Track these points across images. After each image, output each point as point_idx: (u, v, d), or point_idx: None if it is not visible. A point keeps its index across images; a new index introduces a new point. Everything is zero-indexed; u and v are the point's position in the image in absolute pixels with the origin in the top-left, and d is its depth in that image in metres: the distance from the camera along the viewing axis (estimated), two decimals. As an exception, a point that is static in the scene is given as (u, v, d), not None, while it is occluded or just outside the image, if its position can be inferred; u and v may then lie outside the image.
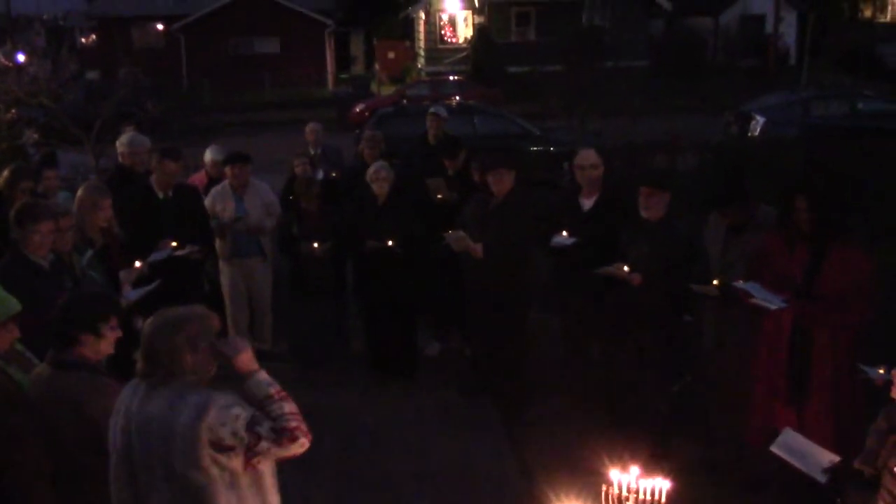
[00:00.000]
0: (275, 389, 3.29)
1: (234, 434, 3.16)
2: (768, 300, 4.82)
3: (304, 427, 3.25)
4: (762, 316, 5.04)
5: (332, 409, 6.83)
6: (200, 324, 3.30)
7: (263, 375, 3.33)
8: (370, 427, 6.65)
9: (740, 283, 4.97)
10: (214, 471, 3.19)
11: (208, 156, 8.50)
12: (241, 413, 3.17)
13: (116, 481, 3.35)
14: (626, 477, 3.55)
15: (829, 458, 3.75)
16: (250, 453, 3.19)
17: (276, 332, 8.08)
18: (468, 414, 6.77)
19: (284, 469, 3.53)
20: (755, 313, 5.08)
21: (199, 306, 3.43)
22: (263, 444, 3.19)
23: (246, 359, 3.33)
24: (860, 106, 17.82)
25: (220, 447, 3.16)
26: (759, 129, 16.97)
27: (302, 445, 3.24)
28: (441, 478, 5.88)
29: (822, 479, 3.72)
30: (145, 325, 3.32)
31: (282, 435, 3.20)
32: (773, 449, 3.94)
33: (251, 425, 3.17)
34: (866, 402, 4.55)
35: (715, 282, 5.36)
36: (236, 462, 3.20)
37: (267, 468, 3.35)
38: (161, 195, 6.87)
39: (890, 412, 3.59)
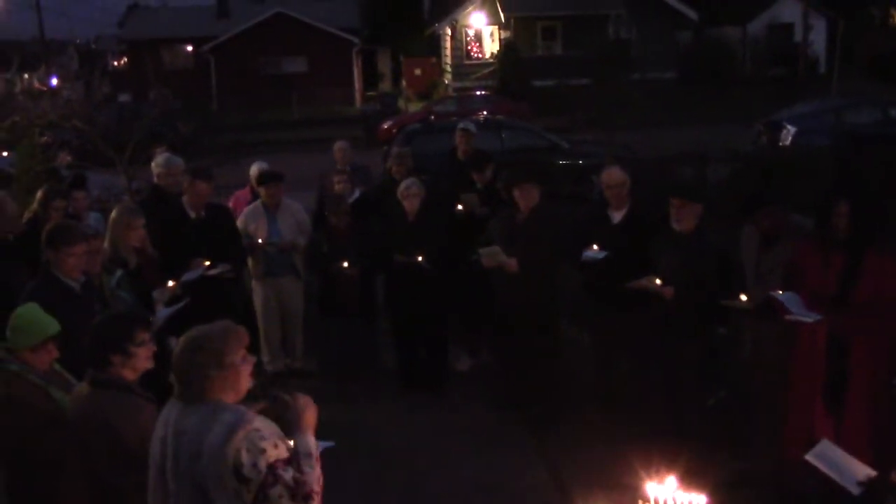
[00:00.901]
0: (317, 453, 3.29)
1: (254, 466, 3.09)
2: (804, 315, 4.77)
3: (320, 499, 3.22)
4: (797, 327, 4.98)
5: (363, 425, 6.84)
6: (224, 339, 3.28)
7: (313, 438, 3.33)
8: (401, 442, 6.63)
9: (777, 294, 4.91)
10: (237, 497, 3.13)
11: (254, 170, 8.57)
12: (270, 450, 3.12)
13: (153, 493, 3.35)
14: (662, 491, 3.51)
15: (864, 471, 3.67)
16: (261, 494, 3.10)
17: (306, 349, 8.11)
18: (499, 429, 6.73)
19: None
20: (790, 326, 5.03)
21: (226, 321, 3.41)
22: (278, 490, 3.11)
23: (310, 418, 3.34)
24: (892, 113, 17.61)
25: (238, 474, 3.10)
26: (790, 139, 16.82)
27: None
28: (473, 493, 5.85)
29: (855, 491, 3.65)
30: (176, 347, 3.34)
31: (300, 491, 3.14)
32: (809, 458, 3.88)
33: (275, 466, 3.11)
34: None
35: (743, 297, 5.32)
36: (247, 497, 3.11)
37: None
38: (193, 215, 6.94)
39: None
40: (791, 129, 17.04)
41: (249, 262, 7.74)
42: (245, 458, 3.08)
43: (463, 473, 6.13)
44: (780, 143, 16.79)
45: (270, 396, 3.41)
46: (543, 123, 20.16)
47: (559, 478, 5.99)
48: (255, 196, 8.30)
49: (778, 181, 9.91)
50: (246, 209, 7.94)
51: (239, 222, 7.68)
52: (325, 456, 3.55)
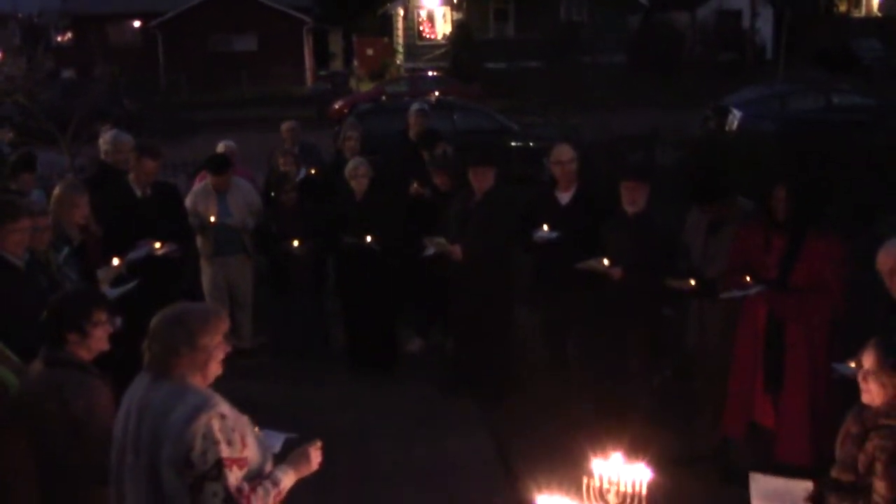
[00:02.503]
0: (284, 486, 3.27)
1: (204, 454, 3.02)
2: (739, 290, 4.89)
3: None
4: (740, 310, 5.10)
5: (313, 405, 6.82)
6: (204, 320, 3.23)
7: (292, 477, 3.32)
8: (351, 422, 6.63)
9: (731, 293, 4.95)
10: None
11: (221, 149, 8.47)
12: (225, 445, 3.04)
13: (114, 468, 3.28)
14: (607, 468, 3.57)
15: (803, 486, 3.75)
16: (198, 485, 3.02)
17: (255, 329, 8.06)
18: (449, 409, 6.77)
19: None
20: (734, 307, 5.14)
21: (215, 305, 3.38)
22: (215, 487, 3.02)
23: (305, 469, 3.38)
24: (835, 100, 17.97)
25: (186, 458, 3.02)
26: (736, 123, 17.07)
27: None
28: (423, 471, 5.89)
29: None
30: (155, 316, 3.27)
31: (238, 501, 3.04)
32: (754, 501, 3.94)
33: (224, 463, 3.03)
34: (843, 398, 4.59)
35: (692, 281, 5.41)
36: (184, 482, 3.03)
37: None
38: (139, 193, 6.83)
39: (859, 414, 3.59)
40: (738, 113, 17.29)
41: (198, 241, 7.65)
42: (198, 444, 3.02)
43: (413, 452, 6.16)
44: (727, 128, 17.04)
45: None
46: (495, 105, 20.18)
47: (507, 454, 6.06)
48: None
49: (724, 166, 10.05)
50: (195, 188, 7.83)
51: (187, 201, 7.59)
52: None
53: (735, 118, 17.24)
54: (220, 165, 7.69)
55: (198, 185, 7.85)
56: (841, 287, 4.87)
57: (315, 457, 3.41)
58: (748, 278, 4.97)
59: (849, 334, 5.00)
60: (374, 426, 6.58)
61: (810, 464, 4.59)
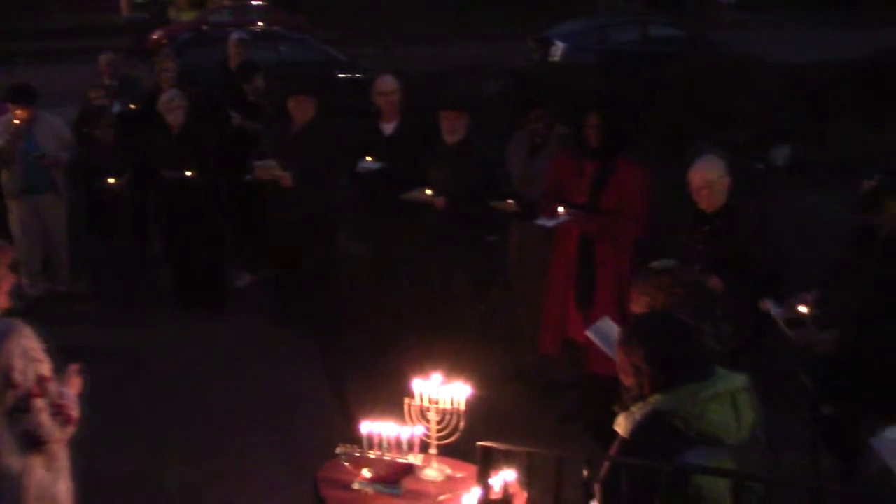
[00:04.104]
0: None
1: (24, 373, 3.09)
2: (546, 220, 5.19)
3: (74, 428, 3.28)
4: (554, 233, 5.36)
5: (141, 349, 6.68)
6: None
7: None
8: (182, 363, 6.52)
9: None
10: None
11: None
12: (41, 364, 3.15)
13: None
14: (427, 388, 3.71)
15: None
16: (24, 403, 3.11)
17: (74, 272, 7.72)
18: (281, 344, 6.76)
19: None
20: (549, 232, 5.40)
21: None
22: (41, 403, 3.14)
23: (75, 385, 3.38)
24: (651, 32, 18.70)
25: (7, 377, 3.08)
26: (559, 55, 17.50)
27: (66, 434, 3.26)
28: (257, 407, 5.90)
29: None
30: None
31: (62, 412, 3.20)
32: (588, 333, 4.23)
33: (43, 379, 3.15)
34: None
35: (510, 200, 5.62)
36: (7, 402, 3.12)
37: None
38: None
39: None
40: (560, 45, 17.71)
41: (3, 178, 7.21)
42: (17, 363, 3.07)
43: (247, 388, 6.14)
44: (551, 59, 17.45)
45: None
46: (323, 36, 19.82)
47: (340, 387, 6.14)
48: None
49: (547, 94, 10.35)
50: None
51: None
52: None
53: (558, 50, 17.65)
54: (21, 96, 7.22)
55: (1, 118, 7.36)
56: (646, 210, 5.21)
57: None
58: (560, 209, 5.21)
59: (654, 254, 5.36)
60: (206, 365, 6.49)
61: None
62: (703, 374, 2.93)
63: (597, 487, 2.90)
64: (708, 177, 4.71)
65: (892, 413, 4.05)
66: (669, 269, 3.70)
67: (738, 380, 2.97)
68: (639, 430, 2.85)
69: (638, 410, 2.88)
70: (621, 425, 2.91)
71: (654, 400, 2.86)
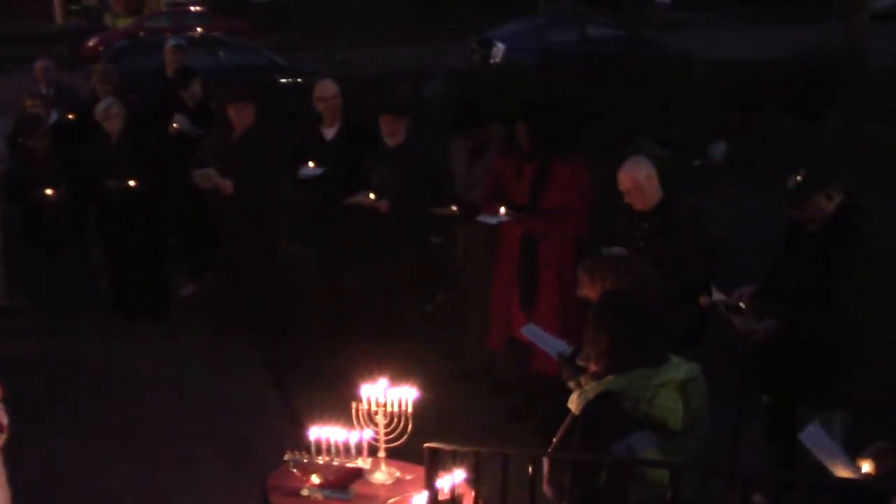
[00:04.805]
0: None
1: None
2: (488, 218, 5.25)
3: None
4: (498, 234, 5.41)
5: (84, 359, 6.58)
6: None
7: None
8: (125, 375, 6.42)
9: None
10: None
11: None
12: None
13: None
14: (374, 392, 3.73)
15: (560, 346, 4.06)
16: None
17: (11, 286, 7.56)
18: (227, 352, 6.70)
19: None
20: (494, 232, 5.46)
21: None
22: None
23: None
24: (590, 32, 18.93)
25: None
26: (500, 56, 17.62)
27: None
28: (201, 416, 5.84)
29: (556, 358, 4.03)
30: None
31: None
32: (523, 331, 4.30)
33: None
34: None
35: (454, 207, 5.67)
36: None
37: None
38: None
39: None
40: (501, 46, 17.84)
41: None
42: None
43: (190, 397, 6.08)
44: (492, 60, 17.56)
45: None
46: (264, 41, 19.68)
47: (286, 393, 6.12)
48: None
49: (488, 97, 10.42)
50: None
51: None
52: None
53: (499, 51, 17.78)
54: None
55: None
56: (585, 209, 5.29)
57: None
58: (502, 209, 5.27)
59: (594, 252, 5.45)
60: (149, 375, 6.41)
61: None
62: (658, 360, 3.02)
63: (546, 465, 2.97)
64: (635, 178, 4.79)
65: (824, 403, 4.18)
66: (623, 256, 3.78)
67: (690, 368, 3.06)
68: (589, 409, 2.93)
69: (591, 389, 2.96)
70: (573, 402, 2.99)
71: (608, 381, 2.94)
